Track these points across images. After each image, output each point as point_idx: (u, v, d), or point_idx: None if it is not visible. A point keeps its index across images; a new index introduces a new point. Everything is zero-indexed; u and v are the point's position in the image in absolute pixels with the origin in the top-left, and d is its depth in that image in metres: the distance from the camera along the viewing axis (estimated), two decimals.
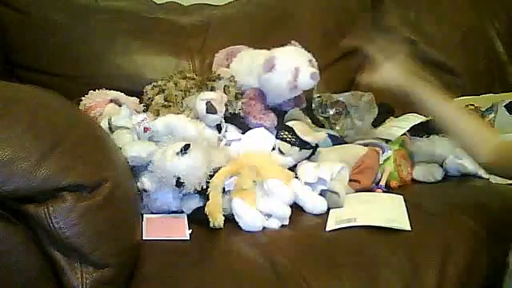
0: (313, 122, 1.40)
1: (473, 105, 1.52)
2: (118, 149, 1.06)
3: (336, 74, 1.61)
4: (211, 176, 1.06)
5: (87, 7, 1.54)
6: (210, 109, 1.20)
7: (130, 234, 0.94)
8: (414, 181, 1.29)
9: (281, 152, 1.19)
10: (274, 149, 1.20)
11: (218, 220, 1.02)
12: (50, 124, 0.83)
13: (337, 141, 1.33)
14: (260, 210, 1.05)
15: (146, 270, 0.92)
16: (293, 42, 1.31)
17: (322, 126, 1.44)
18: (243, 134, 1.26)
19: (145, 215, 1.08)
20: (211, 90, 1.27)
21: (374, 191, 1.20)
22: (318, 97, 1.49)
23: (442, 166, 1.31)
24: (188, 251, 0.98)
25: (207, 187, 1.05)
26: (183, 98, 1.28)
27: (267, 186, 1.07)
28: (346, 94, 1.45)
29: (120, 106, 1.29)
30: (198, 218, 1.06)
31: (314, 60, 1.26)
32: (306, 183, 1.12)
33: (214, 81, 1.30)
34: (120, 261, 0.87)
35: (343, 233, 1.00)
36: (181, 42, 1.56)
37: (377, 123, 1.44)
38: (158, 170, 1.04)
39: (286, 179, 1.11)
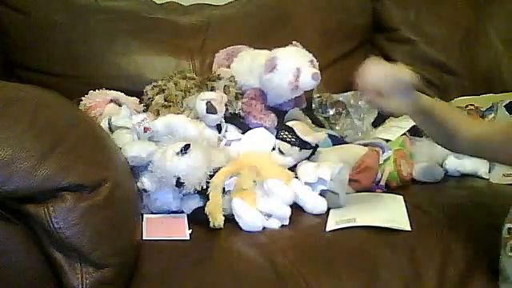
0: (313, 122, 1.41)
1: (473, 105, 1.51)
2: (117, 149, 1.06)
3: (336, 74, 1.60)
4: (211, 176, 1.06)
5: (87, 7, 1.54)
6: (210, 109, 1.20)
7: (129, 234, 0.94)
8: (413, 181, 1.28)
9: (281, 152, 1.19)
10: (274, 149, 1.20)
11: (218, 220, 1.02)
12: (50, 124, 0.83)
13: (337, 141, 1.33)
14: (260, 210, 1.05)
15: (146, 270, 0.92)
16: (294, 42, 1.31)
17: (322, 126, 1.44)
18: (243, 134, 1.26)
19: (145, 215, 1.08)
20: (211, 90, 1.27)
21: (374, 191, 1.20)
22: (318, 97, 1.49)
23: (441, 165, 1.31)
24: (188, 251, 0.98)
25: (207, 187, 1.05)
26: (183, 98, 1.28)
27: (267, 186, 1.07)
28: (346, 94, 1.45)
29: (120, 105, 1.29)
30: (198, 218, 1.06)
31: (315, 60, 1.26)
32: (306, 183, 1.12)
33: (214, 81, 1.30)
34: (120, 261, 0.87)
35: (343, 233, 1.00)
36: (181, 42, 1.56)
37: (377, 123, 1.44)
38: (158, 169, 1.04)
39: (286, 179, 1.11)
